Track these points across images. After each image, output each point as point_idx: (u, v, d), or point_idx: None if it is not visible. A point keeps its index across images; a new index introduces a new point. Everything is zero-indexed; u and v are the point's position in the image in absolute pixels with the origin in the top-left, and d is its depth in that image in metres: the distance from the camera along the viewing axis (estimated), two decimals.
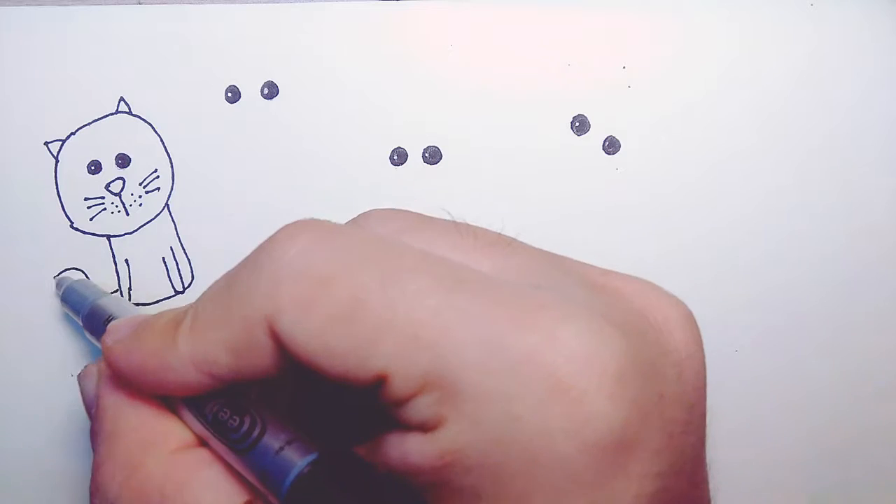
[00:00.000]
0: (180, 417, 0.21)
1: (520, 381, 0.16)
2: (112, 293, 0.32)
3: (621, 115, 0.33)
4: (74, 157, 0.33)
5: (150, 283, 0.33)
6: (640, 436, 0.16)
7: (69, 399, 0.32)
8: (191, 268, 0.33)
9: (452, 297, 0.17)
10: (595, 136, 0.33)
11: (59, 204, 0.33)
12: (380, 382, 0.17)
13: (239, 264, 0.20)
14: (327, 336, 0.17)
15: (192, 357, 0.19)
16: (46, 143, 0.33)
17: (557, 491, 0.16)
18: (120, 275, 0.33)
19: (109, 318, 0.27)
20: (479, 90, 0.33)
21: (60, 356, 0.32)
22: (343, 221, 0.20)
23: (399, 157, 0.33)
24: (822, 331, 0.32)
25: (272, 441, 0.18)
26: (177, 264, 0.33)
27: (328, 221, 0.19)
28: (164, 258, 0.33)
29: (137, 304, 0.33)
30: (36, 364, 0.32)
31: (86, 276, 0.32)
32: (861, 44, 0.32)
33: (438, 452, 0.17)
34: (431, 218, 0.21)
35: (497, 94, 0.33)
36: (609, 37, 0.33)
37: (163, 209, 0.33)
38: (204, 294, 0.20)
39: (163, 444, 0.20)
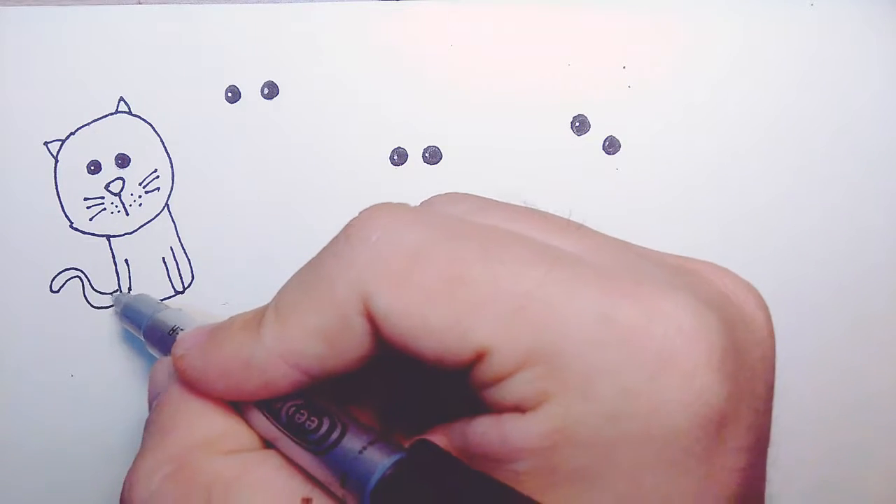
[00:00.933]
0: (247, 420, 0.20)
1: (630, 353, 0.16)
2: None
3: (621, 115, 0.33)
4: (74, 157, 0.33)
5: (150, 283, 0.33)
6: (737, 411, 0.16)
7: (69, 399, 0.32)
8: (191, 268, 0.33)
9: (553, 271, 0.17)
10: (595, 136, 0.33)
11: (59, 204, 0.33)
12: (476, 362, 0.17)
13: (319, 253, 0.19)
14: (426, 311, 0.17)
15: (282, 350, 0.18)
16: (46, 143, 0.33)
17: (669, 464, 0.16)
18: (120, 275, 0.33)
19: (175, 329, 0.27)
20: (479, 90, 0.33)
21: (61, 356, 0.32)
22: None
23: (399, 157, 0.33)
24: (823, 330, 0.32)
25: (353, 442, 0.18)
26: (177, 264, 0.33)
27: (405, 204, 0.19)
28: (164, 258, 0.33)
29: None
30: (36, 364, 0.32)
31: (86, 276, 0.32)
32: (861, 44, 0.32)
33: (545, 431, 0.16)
34: (497, 201, 0.21)
35: (497, 94, 0.33)
36: (609, 37, 0.33)
37: (163, 209, 0.33)
38: (285, 287, 0.19)
39: (219, 443, 0.19)
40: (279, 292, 0.19)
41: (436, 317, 0.17)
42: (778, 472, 0.33)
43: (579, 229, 0.19)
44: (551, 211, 0.21)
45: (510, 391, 0.16)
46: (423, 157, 0.33)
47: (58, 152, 0.33)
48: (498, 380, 0.17)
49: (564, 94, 0.33)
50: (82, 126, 0.33)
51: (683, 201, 0.33)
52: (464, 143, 0.33)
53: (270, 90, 0.33)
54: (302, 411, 0.19)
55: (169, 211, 0.33)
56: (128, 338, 0.32)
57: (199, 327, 0.21)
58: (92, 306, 0.32)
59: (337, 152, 0.33)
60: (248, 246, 0.32)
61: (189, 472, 0.19)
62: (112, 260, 0.33)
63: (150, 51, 0.33)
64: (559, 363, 0.16)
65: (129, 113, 0.33)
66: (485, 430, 0.17)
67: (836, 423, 0.32)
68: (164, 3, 0.33)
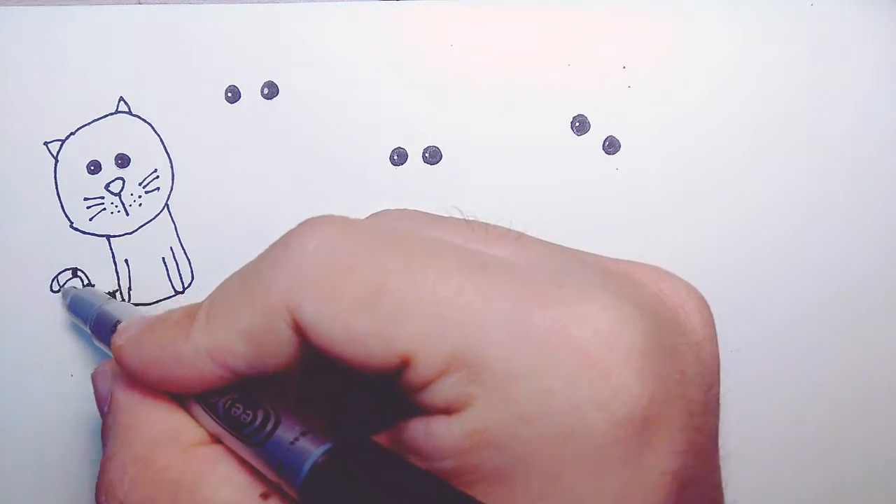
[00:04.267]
0: (191, 415, 0.21)
1: (548, 356, 0.16)
2: (114, 296, 0.32)
3: (621, 115, 0.33)
4: (74, 157, 0.33)
5: (150, 284, 0.33)
6: (663, 412, 0.16)
7: (69, 399, 0.32)
8: (191, 268, 0.33)
9: (475, 277, 0.17)
10: (595, 136, 0.33)
11: (59, 204, 0.33)
12: (402, 367, 0.17)
13: (256, 258, 0.19)
14: (351, 321, 0.17)
15: (208, 347, 0.19)
16: (46, 143, 0.33)
17: (588, 466, 0.16)
18: (120, 275, 0.33)
19: (117, 323, 0.27)
20: (479, 90, 0.33)
21: (60, 356, 0.32)
22: None
23: (399, 157, 0.33)
24: (822, 331, 0.32)
25: (286, 433, 0.18)
26: (177, 264, 0.33)
27: (345, 217, 0.19)
28: (163, 258, 0.33)
29: (137, 305, 0.33)
30: (36, 364, 0.32)
31: (86, 276, 0.32)
32: (861, 44, 0.32)
33: (466, 433, 0.16)
34: (442, 216, 0.21)
35: (497, 94, 0.33)
36: (609, 37, 0.33)
37: (162, 209, 0.33)
38: (219, 288, 0.20)
39: (177, 439, 0.20)
40: (214, 292, 0.20)
41: (360, 325, 0.17)
42: (778, 473, 0.33)
43: (519, 238, 0.20)
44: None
45: (437, 395, 0.17)
46: (423, 157, 0.33)
47: (58, 152, 0.33)
48: (424, 385, 0.17)
49: (564, 94, 0.33)
50: (82, 126, 0.33)
51: (683, 201, 0.33)
52: (464, 143, 0.33)
53: (270, 90, 0.33)
54: (237, 405, 0.19)
55: (169, 211, 0.33)
56: None
57: (140, 317, 0.22)
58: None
59: (337, 152, 0.33)
60: (248, 246, 0.32)
61: (155, 471, 0.19)
62: (112, 260, 0.33)
63: (150, 51, 0.33)
64: (479, 367, 0.16)
65: (129, 113, 0.33)
66: (415, 430, 0.18)
67: (835, 423, 0.32)
68: (164, 3, 0.33)
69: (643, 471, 0.16)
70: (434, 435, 0.17)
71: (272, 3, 0.33)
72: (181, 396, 0.21)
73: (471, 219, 0.21)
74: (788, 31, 0.33)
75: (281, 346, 0.18)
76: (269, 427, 0.18)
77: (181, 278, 0.33)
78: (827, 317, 0.32)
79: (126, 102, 0.33)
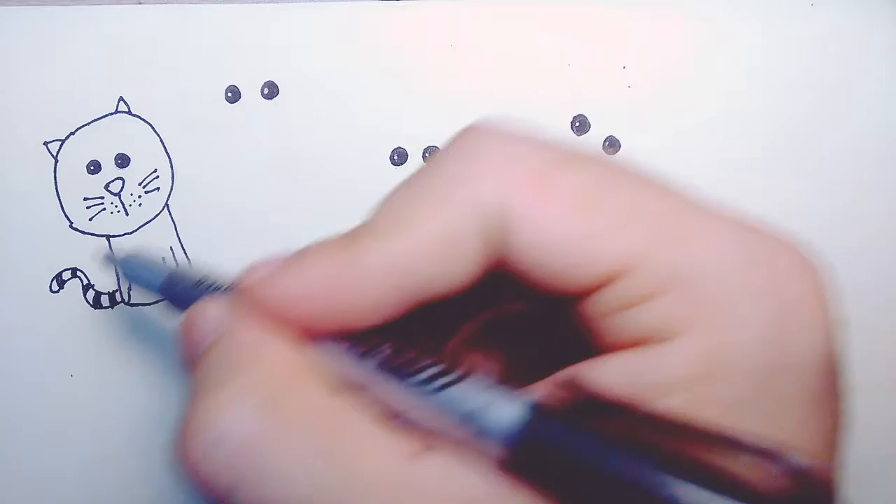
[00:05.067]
0: (333, 358, 0.17)
1: (769, 282, 0.15)
2: (114, 296, 0.32)
3: (621, 115, 0.33)
4: (74, 157, 0.33)
5: None
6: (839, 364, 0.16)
7: (70, 398, 0.32)
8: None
9: (686, 199, 0.16)
10: (595, 136, 0.33)
11: (59, 204, 0.33)
12: (605, 284, 0.15)
13: (426, 164, 0.17)
14: (567, 221, 0.15)
15: (390, 265, 0.16)
16: (46, 143, 0.33)
17: (814, 396, 0.15)
18: (120, 275, 0.33)
19: (202, 280, 0.21)
20: (479, 90, 0.33)
21: (60, 356, 0.32)
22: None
23: (399, 157, 0.33)
24: None
25: (475, 382, 0.15)
26: (177, 264, 0.33)
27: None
28: (163, 258, 0.33)
29: (136, 305, 0.33)
30: (36, 364, 0.32)
31: (86, 276, 0.32)
32: (861, 44, 0.32)
33: (694, 359, 0.15)
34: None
35: (497, 94, 0.33)
36: (609, 37, 0.33)
37: (163, 209, 0.33)
38: (388, 201, 0.17)
39: (314, 381, 0.16)
40: (379, 208, 0.17)
41: (577, 227, 0.15)
42: None
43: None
44: None
45: (643, 319, 0.15)
46: (423, 157, 0.33)
47: (58, 152, 0.33)
48: (629, 305, 0.15)
49: (564, 94, 0.33)
50: (82, 126, 0.33)
51: None
52: None
53: (270, 90, 0.33)
54: (405, 345, 0.16)
55: (169, 211, 0.33)
56: (128, 338, 0.32)
57: (268, 258, 0.18)
58: (92, 306, 0.32)
59: (337, 152, 0.33)
60: (248, 246, 0.32)
61: (284, 410, 0.15)
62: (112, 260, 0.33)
63: (150, 51, 0.33)
64: (701, 288, 0.15)
65: (129, 113, 0.33)
66: (616, 371, 0.15)
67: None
68: (164, 3, 0.33)
69: (829, 409, 0.16)
70: (646, 371, 0.15)
71: (272, 3, 0.33)
72: (322, 336, 0.17)
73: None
74: (789, 31, 0.33)
75: (475, 255, 0.16)
76: (454, 374, 0.15)
77: None
78: None
79: (126, 102, 0.33)
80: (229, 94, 0.33)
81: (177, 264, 0.33)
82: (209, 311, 0.17)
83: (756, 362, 0.15)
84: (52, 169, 0.33)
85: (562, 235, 0.15)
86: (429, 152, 0.33)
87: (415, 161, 0.33)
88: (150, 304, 0.33)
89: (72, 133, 0.33)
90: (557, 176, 0.16)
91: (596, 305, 0.15)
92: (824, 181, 0.32)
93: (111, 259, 0.29)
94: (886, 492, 0.32)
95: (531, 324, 0.17)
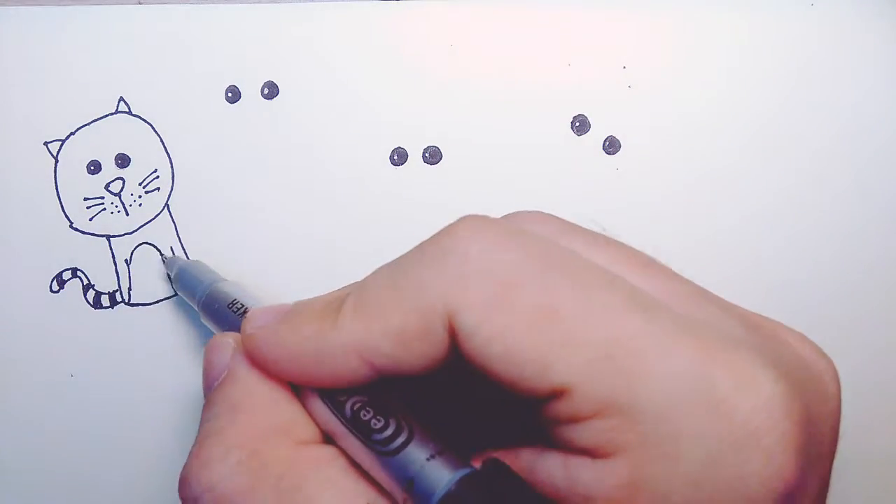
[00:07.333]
0: (307, 408, 0.20)
1: (718, 421, 0.16)
2: (114, 296, 0.32)
3: (621, 115, 0.33)
4: (74, 157, 0.33)
5: (150, 283, 0.33)
6: (805, 482, 0.16)
7: (70, 399, 0.32)
8: None
9: (647, 323, 0.16)
10: (595, 136, 0.33)
11: (59, 204, 0.33)
12: (553, 397, 0.16)
13: (408, 255, 0.19)
14: (514, 339, 0.17)
15: (357, 344, 0.18)
16: (46, 143, 0.33)
17: None
18: (120, 275, 0.33)
19: (234, 303, 0.26)
20: (479, 90, 0.33)
21: (60, 356, 0.32)
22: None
23: (399, 157, 0.33)
24: (823, 330, 0.32)
25: (420, 449, 0.17)
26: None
27: (496, 219, 0.19)
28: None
29: (136, 305, 0.33)
30: (36, 364, 0.32)
31: (86, 276, 0.32)
32: (861, 44, 0.32)
33: (620, 483, 0.16)
34: (579, 227, 0.20)
35: (497, 94, 0.33)
36: (609, 37, 0.33)
37: (163, 209, 0.33)
38: (368, 281, 0.19)
39: (290, 433, 0.19)
40: (361, 286, 0.19)
41: (521, 346, 0.16)
42: None
43: (661, 269, 0.19)
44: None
45: (584, 434, 0.16)
46: (423, 157, 0.33)
47: (58, 152, 0.33)
48: (573, 420, 0.16)
49: (564, 94, 0.33)
50: (82, 126, 0.33)
51: (683, 201, 0.33)
52: (464, 143, 0.33)
53: (270, 90, 0.33)
54: (368, 408, 0.18)
55: (169, 211, 0.33)
56: (128, 338, 0.32)
57: (270, 306, 0.21)
58: (92, 306, 0.32)
59: (337, 152, 0.33)
60: (248, 246, 0.32)
61: (261, 461, 0.18)
62: (112, 260, 0.33)
63: (150, 51, 0.33)
64: (640, 417, 0.16)
65: (129, 113, 0.33)
66: (553, 468, 0.17)
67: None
68: (164, 3, 0.33)
69: None
70: (579, 478, 0.16)
71: (272, 3, 0.33)
72: (302, 388, 0.20)
73: (605, 234, 0.20)
74: (789, 31, 0.33)
75: (431, 348, 0.18)
76: (401, 439, 0.18)
77: None
78: (829, 317, 0.32)
79: (126, 102, 0.33)
80: (229, 94, 0.33)
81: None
82: (222, 350, 0.21)
83: (686, 498, 0.15)
84: (52, 169, 0.33)
85: (506, 351, 0.17)
86: (428, 152, 0.33)
87: (414, 161, 0.33)
88: (150, 304, 0.33)
89: (72, 133, 0.33)
90: (509, 296, 0.17)
91: (549, 411, 0.17)
92: (824, 180, 0.32)
93: (170, 262, 0.32)
94: (887, 492, 0.32)
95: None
